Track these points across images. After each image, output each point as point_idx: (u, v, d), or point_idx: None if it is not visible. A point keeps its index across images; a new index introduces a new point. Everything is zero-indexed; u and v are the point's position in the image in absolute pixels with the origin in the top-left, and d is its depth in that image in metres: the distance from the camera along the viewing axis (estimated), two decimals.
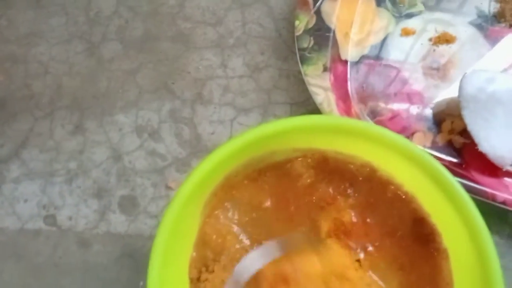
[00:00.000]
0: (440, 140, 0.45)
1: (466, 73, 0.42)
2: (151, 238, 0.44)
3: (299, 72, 0.46)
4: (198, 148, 0.47)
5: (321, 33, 0.46)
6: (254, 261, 0.32)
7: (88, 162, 0.46)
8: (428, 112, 0.46)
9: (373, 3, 0.49)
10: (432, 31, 0.48)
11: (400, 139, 0.31)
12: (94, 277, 0.43)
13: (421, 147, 0.44)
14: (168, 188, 0.45)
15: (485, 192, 0.41)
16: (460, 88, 0.42)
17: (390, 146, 0.31)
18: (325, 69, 0.45)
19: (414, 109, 0.46)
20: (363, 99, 0.46)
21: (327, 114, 0.34)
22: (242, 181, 0.34)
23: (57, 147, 0.47)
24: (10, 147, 0.47)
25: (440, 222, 0.32)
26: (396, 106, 0.46)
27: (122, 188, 0.45)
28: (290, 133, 0.32)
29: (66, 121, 0.47)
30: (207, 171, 0.30)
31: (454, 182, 0.30)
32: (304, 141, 0.33)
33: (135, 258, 0.43)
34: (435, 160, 0.31)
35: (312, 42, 0.45)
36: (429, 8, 0.49)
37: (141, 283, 0.43)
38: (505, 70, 0.46)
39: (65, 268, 0.43)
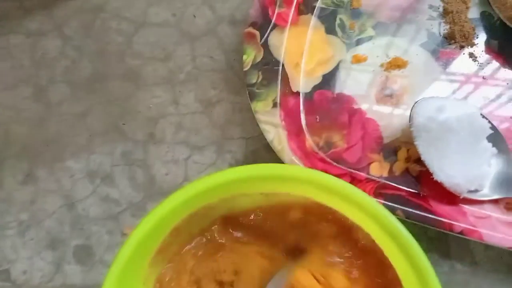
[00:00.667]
0: (397, 169, 0.45)
1: (416, 102, 0.43)
2: None
3: None
4: (153, 191, 0.46)
5: (270, 67, 0.46)
6: None
7: (41, 212, 0.45)
8: (384, 140, 0.46)
9: (323, 31, 0.49)
10: (383, 57, 0.48)
11: (338, 182, 0.32)
12: None
13: (377, 177, 0.44)
14: (124, 235, 0.45)
15: (443, 222, 0.41)
16: (411, 118, 0.42)
17: (333, 190, 0.32)
18: (274, 104, 0.44)
19: (369, 138, 0.46)
20: (317, 131, 0.46)
21: (262, 164, 0.34)
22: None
23: (7, 198, 0.46)
24: None
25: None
26: (351, 135, 0.46)
27: (76, 237, 0.45)
28: (232, 184, 0.32)
29: (16, 170, 0.47)
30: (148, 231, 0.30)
31: (397, 224, 0.31)
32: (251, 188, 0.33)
33: None
34: (372, 200, 0.31)
35: (260, 77, 0.45)
36: (379, 33, 0.49)
37: None
38: (454, 92, 0.46)
39: None
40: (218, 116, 0.49)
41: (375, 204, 0.31)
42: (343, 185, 0.32)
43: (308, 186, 0.32)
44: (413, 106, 0.42)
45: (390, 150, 0.46)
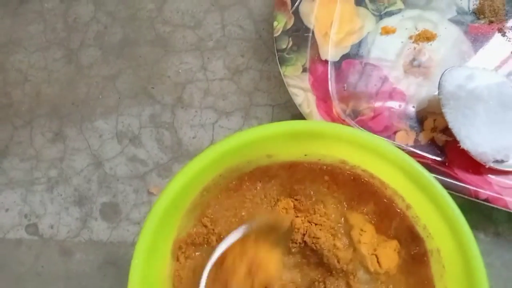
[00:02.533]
0: (423, 138, 0.46)
1: (445, 70, 0.44)
2: (133, 245, 0.45)
3: (280, 74, 0.47)
4: (180, 153, 0.48)
5: (300, 34, 0.47)
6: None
7: (69, 170, 0.47)
8: (410, 110, 0.47)
9: (352, 2, 0.50)
10: (412, 29, 0.50)
11: (376, 139, 0.33)
12: (76, 285, 0.44)
13: (403, 145, 0.46)
14: (150, 193, 0.46)
15: (468, 189, 0.42)
16: (440, 86, 0.43)
17: (368, 147, 0.33)
18: (304, 69, 0.46)
19: (396, 108, 0.47)
20: (344, 99, 0.47)
21: (299, 120, 0.35)
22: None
23: (37, 155, 0.48)
24: None
25: (428, 225, 0.34)
26: (378, 105, 0.47)
27: (103, 195, 0.46)
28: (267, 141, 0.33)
29: (46, 129, 0.49)
30: (189, 177, 0.31)
31: (435, 182, 0.32)
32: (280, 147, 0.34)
33: (118, 265, 0.44)
34: (414, 161, 0.33)
35: (290, 43, 0.47)
36: (409, 6, 0.50)
37: None
38: (485, 68, 0.47)
39: (48, 277, 0.44)
40: (246, 83, 0.50)
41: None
42: (383, 143, 0.33)
43: (346, 144, 0.34)
44: (443, 74, 0.43)
45: (416, 120, 0.47)
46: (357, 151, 0.34)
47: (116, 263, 0.44)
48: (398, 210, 0.35)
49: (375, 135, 0.34)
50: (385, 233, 0.36)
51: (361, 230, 0.35)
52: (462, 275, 0.31)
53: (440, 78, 0.43)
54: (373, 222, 0.36)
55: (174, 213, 0.32)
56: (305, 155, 0.36)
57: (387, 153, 0.33)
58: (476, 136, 0.42)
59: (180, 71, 0.51)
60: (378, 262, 0.34)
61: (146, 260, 0.30)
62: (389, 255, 0.35)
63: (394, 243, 0.35)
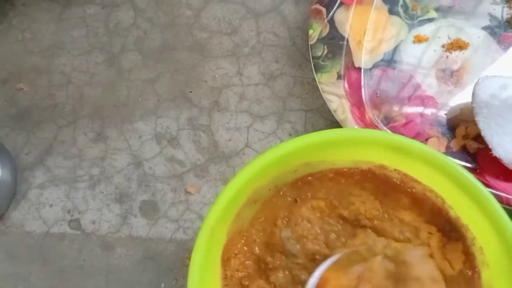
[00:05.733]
0: (454, 145, 0.50)
1: (479, 79, 0.47)
2: (171, 241, 0.50)
3: (313, 79, 0.51)
4: (216, 155, 0.52)
5: (335, 42, 0.51)
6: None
7: (110, 168, 0.52)
8: (442, 117, 0.51)
9: (386, 11, 0.54)
10: (445, 38, 0.54)
11: (427, 149, 0.37)
12: (117, 279, 0.49)
13: None
14: (187, 193, 0.51)
15: (500, 196, 0.46)
16: (474, 95, 0.47)
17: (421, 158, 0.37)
18: (339, 76, 0.50)
19: (428, 115, 0.51)
20: (377, 106, 0.51)
21: (352, 128, 0.39)
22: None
23: (80, 154, 0.53)
24: (35, 154, 0.53)
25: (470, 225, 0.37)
26: (410, 111, 0.51)
27: (142, 193, 0.51)
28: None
29: (88, 129, 0.54)
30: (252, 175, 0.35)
31: (477, 184, 0.35)
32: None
33: (156, 260, 0.49)
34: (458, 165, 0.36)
35: (326, 51, 0.51)
36: (441, 15, 0.54)
37: (163, 285, 0.48)
38: None
39: (89, 271, 0.49)
40: (280, 89, 0.55)
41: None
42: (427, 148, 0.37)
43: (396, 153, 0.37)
44: (476, 83, 0.47)
45: (448, 127, 0.51)
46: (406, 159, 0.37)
47: (155, 258, 0.49)
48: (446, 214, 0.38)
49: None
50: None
51: (429, 233, 0.39)
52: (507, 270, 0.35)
53: (474, 87, 0.47)
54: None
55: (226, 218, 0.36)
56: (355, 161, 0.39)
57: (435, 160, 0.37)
58: (508, 144, 0.46)
59: (216, 76, 0.55)
60: (450, 265, 0.37)
61: (203, 264, 0.33)
62: (458, 257, 0.38)
63: (460, 245, 0.38)
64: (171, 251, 0.49)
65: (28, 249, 0.50)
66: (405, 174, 0.39)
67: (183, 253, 0.49)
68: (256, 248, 0.38)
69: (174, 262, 0.49)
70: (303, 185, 0.39)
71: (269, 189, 0.38)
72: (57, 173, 0.52)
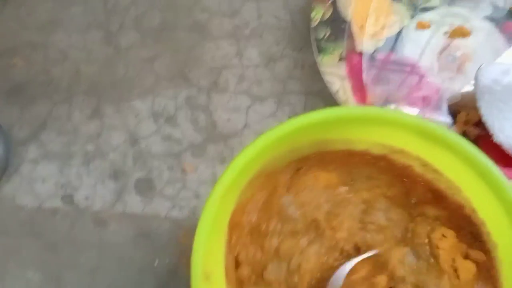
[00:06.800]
0: (455, 131, 0.51)
1: (481, 65, 0.48)
2: (166, 219, 0.50)
3: (314, 63, 0.52)
4: (214, 134, 0.53)
5: (337, 24, 0.52)
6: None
7: (105, 145, 0.52)
8: (443, 103, 0.52)
9: None
10: (447, 25, 0.55)
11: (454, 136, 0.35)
12: (110, 255, 0.49)
13: None
14: (184, 171, 0.51)
15: None
16: (476, 80, 0.48)
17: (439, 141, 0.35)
18: (341, 58, 0.51)
19: (429, 101, 0.52)
20: (378, 90, 0.52)
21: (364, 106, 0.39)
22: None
23: (74, 130, 0.53)
24: (29, 129, 0.53)
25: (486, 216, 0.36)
26: (411, 97, 0.52)
27: (138, 170, 0.52)
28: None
29: (84, 106, 0.54)
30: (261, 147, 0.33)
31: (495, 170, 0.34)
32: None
33: (150, 238, 0.49)
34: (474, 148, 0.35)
35: (328, 33, 0.52)
36: (444, 2, 0.55)
37: (156, 262, 0.49)
38: None
39: (82, 246, 0.49)
40: (280, 71, 0.55)
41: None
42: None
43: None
44: (479, 68, 0.48)
45: (449, 113, 0.52)
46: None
47: (149, 235, 0.49)
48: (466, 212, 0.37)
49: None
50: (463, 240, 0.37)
51: (443, 235, 0.37)
52: None
53: (476, 72, 0.48)
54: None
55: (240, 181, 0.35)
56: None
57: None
58: (510, 130, 0.47)
59: (216, 56, 0.56)
60: (457, 275, 0.36)
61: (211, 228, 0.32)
62: (468, 268, 0.36)
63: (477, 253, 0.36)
64: (165, 229, 0.49)
65: (20, 223, 0.50)
66: (427, 164, 0.37)
67: (178, 231, 0.49)
68: (254, 215, 0.38)
69: (169, 240, 0.49)
70: (315, 156, 0.39)
71: (281, 162, 0.38)
72: (51, 148, 0.52)
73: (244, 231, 0.38)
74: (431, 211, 0.39)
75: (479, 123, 0.49)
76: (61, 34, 0.57)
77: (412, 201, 0.39)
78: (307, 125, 0.34)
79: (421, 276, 0.36)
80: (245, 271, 0.36)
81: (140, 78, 0.55)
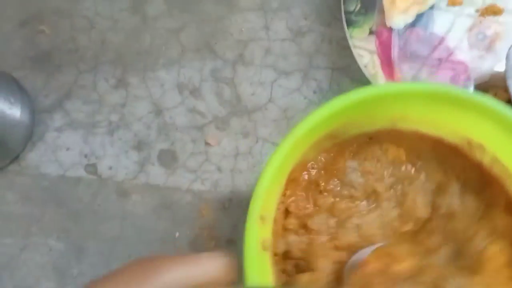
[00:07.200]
0: None
1: None
2: (188, 191, 0.50)
3: (342, 38, 0.51)
4: (238, 108, 0.53)
5: None
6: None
7: (130, 116, 0.53)
8: (471, 83, 0.51)
9: None
10: (479, 2, 0.53)
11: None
12: (131, 225, 0.49)
13: None
14: (207, 144, 0.51)
15: None
16: (507, 58, 0.47)
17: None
18: (371, 32, 0.50)
19: (458, 79, 0.51)
20: (407, 67, 0.51)
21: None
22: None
23: (99, 100, 0.53)
24: (54, 97, 0.54)
25: None
26: (440, 75, 0.51)
27: (162, 142, 0.52)
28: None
29: (110, 75, 0.54)
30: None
31: None
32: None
33: (172, 209, 0.50)
34: None
35: (359, 6, 0.51)
36: None
37: (177, 234, 0.49)
38: None
39: (104, 216, 0.50)
40: (307, 45, 0.55)
41: None
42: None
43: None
44: (510, 47, 0.47)
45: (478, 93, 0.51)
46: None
47: (171, 207, 0.50)
48: None
49: None
50: None
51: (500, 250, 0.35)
52: None
53: (509, 50, 0.47)
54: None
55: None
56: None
57: None
58: None
59: (243, 29, 0.55)
60: None
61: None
62: None
63: None
64: (187, 201, 0.50)
65: (43, 191, 0.51)
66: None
67: (199, 203, 0.49)
68: (315, 172, 0.39)
69: (190, 212, 0.49)
70: (387, 132, 0.39)
71: (352, 130, 0.38)
72: (76, 117, 0.53)
73: (300, 186, 0.39)
74: (499, 218, 0.36)
75: (508, 103, 0.48)
76: (88, 2, 0.57)
77: (483, 200, 0.38)
78: (383, 95, 0.34)
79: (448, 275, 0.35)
80: (292, 220, 0.38)
81: (166, 49, 0.55)
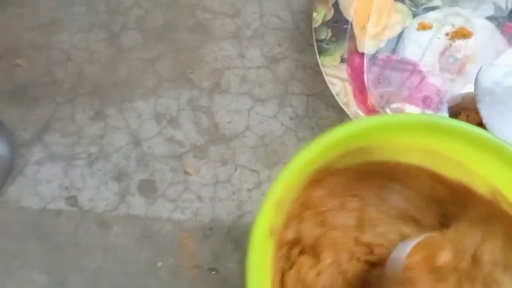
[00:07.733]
0: None
1: (482, 66, 0.49)
2: (169, 220, 0.51)
3: (316, 64, 0.53)
4: (216, 136, 0.54)
5: (339, 25, 0.53)
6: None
7: (109, 147, 0.53)
8: (444, 105, 0.53)
9: None
10: (449, 26, 0.55)
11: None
12: (113, 256, 0.50)
13: None
14: (186, 173, 0.52)
15: None
16: (476, 82, 0.49)
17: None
18: (342, 60, 0.52)
19: (430, 102, 0.53)
20: (379, 91, 0.53)
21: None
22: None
23: (78, 132, 0.54)
24: (32, 131, 0.54)
25: None
26: (412, 98, 0.53)
27: (141, 172, 0.52)
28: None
29: (87, 107, 0.55)
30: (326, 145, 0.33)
31: None
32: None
33: (153, 239, 0.50)
34: None
35: (330, 34, 0.53)
36: (446, 3, 0.56)
37: (159, 264, 0.50)
38: None
39: (86, 248, 0.50)
40: (282, 72, 0.56)
41: None
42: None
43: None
44: (480, 70, 0.49)
45: (449, 116, 0.52)
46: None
47: (152, 237, 0.50)
48: None
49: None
50: None
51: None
52: None
53: (477, 74, 0.49)
54: None
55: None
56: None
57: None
58: (510, 132, 0.47)
59: (218, 57, 0.57)
60: None
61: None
62: None
63: None
64: (168, 231, 0.51)
65: (24, 225, 0.51)
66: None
67: (180, 232, 0.50)
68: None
69: (171, 241, 0.50)
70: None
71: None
72: (55, 150, 0.53)
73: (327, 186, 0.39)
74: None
75: (480, 126, 0.49)
76: (63, 35, 0.58)
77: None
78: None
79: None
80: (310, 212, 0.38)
81: (143, 79, 0.56)
